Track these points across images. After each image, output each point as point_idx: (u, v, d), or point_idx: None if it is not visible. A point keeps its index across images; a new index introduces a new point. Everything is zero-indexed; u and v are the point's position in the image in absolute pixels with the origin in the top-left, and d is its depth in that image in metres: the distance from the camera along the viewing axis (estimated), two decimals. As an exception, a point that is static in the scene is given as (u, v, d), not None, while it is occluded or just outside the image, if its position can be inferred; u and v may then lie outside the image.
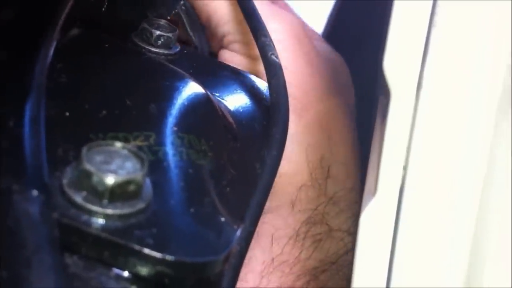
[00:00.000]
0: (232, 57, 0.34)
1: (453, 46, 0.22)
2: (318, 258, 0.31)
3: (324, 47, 0.37)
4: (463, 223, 0.20)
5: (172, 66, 0.29)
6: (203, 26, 0.38)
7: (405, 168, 0.21)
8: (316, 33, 0.40)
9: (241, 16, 0.33)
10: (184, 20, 0.37)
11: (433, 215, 0.20)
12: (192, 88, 0.27)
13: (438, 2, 0.22)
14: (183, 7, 0.37)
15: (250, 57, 0.34)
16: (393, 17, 0.22)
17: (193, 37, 0.38)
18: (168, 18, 0.37)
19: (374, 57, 0.25)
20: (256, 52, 0.33)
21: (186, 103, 0.26)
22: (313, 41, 0.35)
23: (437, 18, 0.22)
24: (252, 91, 0.31)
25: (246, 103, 0.30)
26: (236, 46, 0.34)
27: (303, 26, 0.36)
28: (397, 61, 0.22)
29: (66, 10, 0.27)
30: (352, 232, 0.31)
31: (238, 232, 0.21)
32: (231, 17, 0.34)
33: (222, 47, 0.35)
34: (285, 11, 0.37)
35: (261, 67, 0.32)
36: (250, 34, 0.33)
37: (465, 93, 0.21)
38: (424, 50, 0.22)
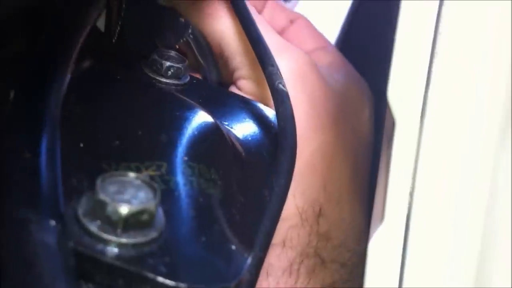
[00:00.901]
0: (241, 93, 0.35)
1: (455, 74, 0.22)
2: (314, 286, 0.31)
3: (337, 77, 0.37)
4: (470, 250, 0.21)
5: (182, 96, 0.30)
6: (212, 53, 0.39)
7: (411, 195, 0.21)
8: (334, 60, 0.39)
9: (252, 49, 0.34)
10: (193, 48, 0.38)
11: (440, 242, 0.21)
12: (201, 118, 0.28)
13: (440, 31, 0.22)
14: (191, 35, 0.38)
15: (259, 94, 0.34)
16: (396, 45, 0.23)
17: (202, 64, 0.39)
18: (177, 46, 0.38)
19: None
20: (266, 90, 0.33)
21: (196, 133, 0.26)
22: (320, 76, 0.35)
23: (439, 47, 0.22)
24: (260, 119, 0.32)
25: (254, 131, 0.31)
26: (245, 83, 0.34)
27: (310, 63, 0.35)
28: (401, 90, 0.22)
29: (79, 43, 0.27)
30: (348, 265, 0.32)
31: (249, 260, 0.22)
32: (241, 50, 0.34)
33: (231, 80, 0.35)
34: (293, 45, 0.36)
35: (269, 98, 0.32)
36: (261, 71, 0.33)
37: (468, 120, 0.22)
38: (427, 79, 0.22)
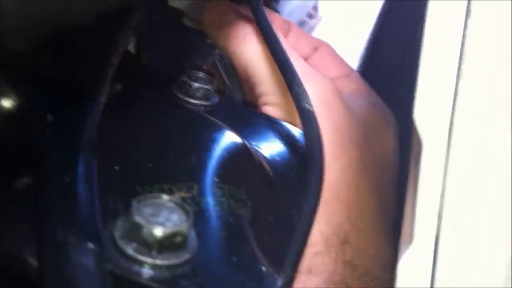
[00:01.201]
0: None
1: (481, 94, 0.22)
2: None
3: (361, 104, 0.37)
4: (500, 272, 0.21)
5: (210, 117, 0.30)
6: (238, 75, 0.40)
7: (440, 216, 0.21)
8: (357, 87, 0.39)
9: (278, 75, 0.34)
10: (220, 69, 0.39)
11: (469, 263, 0.21)
12: (230, 138, 0.28)
13: (465, 50, 0.23)
14: (218, 57, 0.39)
15: (284, 120, 0.34)
16: (422, 66, 0.23)
17: (229, 86, 0.39)
18: (204, 67, 0.39)
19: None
20: (291, 115, 0.33)
21: (225, 154, 0.27)
22: (345, 103, 0.35)
23: (464, 68, 0.23)
24: (287, 139, 0.32)
25: (282, 151, 0.31)
26: (270, 109, 0.35)
27: (334, 90, 0.35)
28: (427, 112, 0.22)
29: (113, 67, 0.28)
30: None
31: (279, 281, 0.22)
32: (267, 75, 0.35)
33: (257, 104, 0.36)
34: (318, 73, 0.36)
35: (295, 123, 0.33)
36: (287, 97, 0.33)
37: (496, 140, 0.22)
38: (453, 99, 0.23)
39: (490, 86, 0.22)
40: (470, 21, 0.22)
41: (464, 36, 0.23)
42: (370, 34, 0.62)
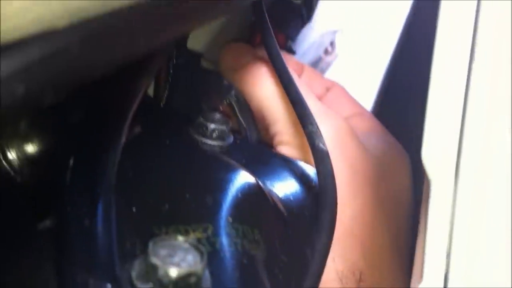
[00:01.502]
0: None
1: (487, 135, 0.23)
2: None
3: (375, 143, 0.37)
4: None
5: (226, 158, 0.31)
6: (253, 115, 0.41)
7: (448, 256, 0.22)
8: (371, 125, 0.40)
9: (293, 116, 0.35)
10: (236, 109, 0.40)
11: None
12: (245, 179, 0.29)
13: (470, 93, 0.23)
14: (234, 97, 0.40)
15: (299, 159, 0.35)
16: (429, 107, 0.24)
17: (243, 125, 0.40)
18: (221, 108, 0.40)
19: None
20: (305, 155, 0.34)
21: (239, 194, 0.28)
22: (359, 142, 0.36)
23: (469, 108, 0.23)
24: (301, 178, 0.33)
25: (295, 190, 0.32)
26: (285, 149, 0.35)
27: (348, 129, 0.36)
28: (435, 151, 0.23)
29: (132, 111, 0.30)
30: None
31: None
32: (282, 115, 0.36)
33: (271, 143, 0.36)
34: (332, 112, 0.37)
35: (309, 162, 0.33)
36: (301, 136, 0.34)
37: (503, 179, 0.23)
38: (459, 139, 0.23)
39: (495, 128, 0.23)
40: (474, 65, 0.23)
41: (468, 79, 0.23)
42: (385, 71, 0.63)
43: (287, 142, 0.36)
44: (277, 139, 0.36)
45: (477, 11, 0.23)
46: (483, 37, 0.23)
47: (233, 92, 0.40)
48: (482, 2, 0.23)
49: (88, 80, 0.17)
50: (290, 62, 0.40)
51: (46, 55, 0.14)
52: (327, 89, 0.41)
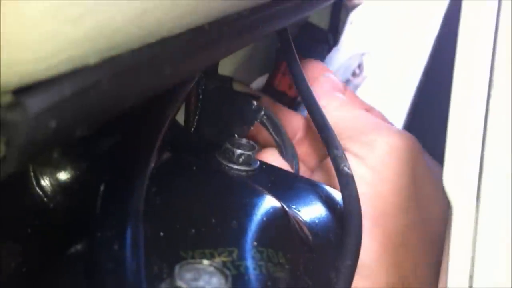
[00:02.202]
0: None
1: (508, 159, 0.23)
2: None
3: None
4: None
5: (251, 183, 0.32)
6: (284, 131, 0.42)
7: (471, 277, 0.22)
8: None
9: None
10: (269, 128, 0.41)
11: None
12: (269, 203, 0.30)
13: (489, 119, 0.24)
14: (264, 116, 0.41)
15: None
16: (449, 133, 0.24)
17: (277, 141, 0.42)
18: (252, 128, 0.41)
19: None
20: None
21: (264, 218, 0.28)
22: (423, 153, 0.37)
23: (489, 136, 0.23)
24: (326, 202, 0.33)
25: (320, 214, 0.32)
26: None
27: (413, 139, 0.38)
28: (456, 177, 0.23)
29: (161, 138, 0.31)
30: None
31: None
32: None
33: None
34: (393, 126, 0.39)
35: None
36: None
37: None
38: (480, 165, 0.24)
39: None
40: (493, 92, 0.23)
41: (488, 104, 0.24)
42: (414, 92, 0.63)
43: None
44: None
45: (495, 35, 0.24)
46: (503, 63, 0.24)
47: (262, 113, 0.41)
48: (500, 25, 0.23)
49: (117, 112, 0.18)
50: (334, 81, 0.42)
51: (77, 92, 0.15)
52: (367, 110, 0.42)
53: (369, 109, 0.43)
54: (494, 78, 0.23)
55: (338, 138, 0.37)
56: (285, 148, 0.42)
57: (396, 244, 0.33)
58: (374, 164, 0.36)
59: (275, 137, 0.42)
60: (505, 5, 0.23)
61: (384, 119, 0.43)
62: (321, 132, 0.37)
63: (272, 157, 0.40)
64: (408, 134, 0.38)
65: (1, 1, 0.12)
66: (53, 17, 0.13)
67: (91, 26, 0.14)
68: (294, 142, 0.43)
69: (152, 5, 0.16)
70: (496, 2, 0.23)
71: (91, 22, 0.14)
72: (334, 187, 0.35)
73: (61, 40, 0.14)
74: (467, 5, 0.23)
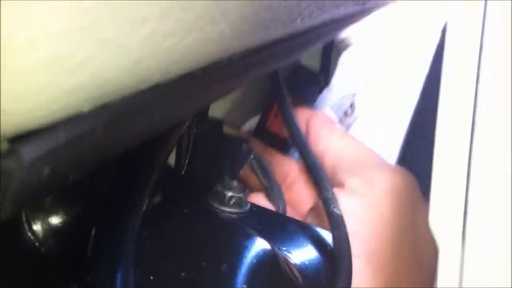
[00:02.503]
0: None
1: (493, 199, 0.24)
2: None
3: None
4: None
5: (242, 225, 0.32)
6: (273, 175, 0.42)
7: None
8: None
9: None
10: (257, 171, 0.42)
11: None
12: (259, 246, 0.30)
13: (472, 164, 0.24)
14: (253, 161, 0.42)
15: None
16: (434, 175, 0.25)
17: (265, 185, 0.42)
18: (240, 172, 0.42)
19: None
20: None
21: (254, 261, 0.28)
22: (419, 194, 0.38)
23: (472, 179, 0.24)
24: (316, 243, 0.33)
25: (311, 256, 0.32)
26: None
27: (413, 180, 0.38)
28: (441, 218, 0.24)
29: (152, 182, 0.31)
30: None
31: None
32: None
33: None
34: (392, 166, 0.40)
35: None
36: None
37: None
38: (464, 205, 0.24)
39: (499, 192, 0.24)
40: (475, 141, 0.24)
41: (471, 143, 0.24)
42: (406, 132, 0.64)
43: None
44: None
45: (478, 67, 0.24)
46: (485, 104, 0.24)
47: (252, 156, 0.42)
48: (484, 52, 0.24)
49: (110, 158, 0.19)
50: (330, 116, 0.43)
51: (71, 139, 0.16)
52: None
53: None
54: (477, 124, 0.24)
55: (340, 170, 0.38)
56: (272, 191, 0.42)
57: (388, 284, 0.33)
58: (372, 202, 0.36)
59: (263, 180, 0.42)
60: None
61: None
62: (312, 173, 0.38)
63: (258, 200, 0.41)
64: (409, 174, 0.38)
65: (1, 54, 0.12)
66: (48, 69, 0.14)
67: (85, 76, 0.15)
68: (284, 185, 0.44)
69: (145, 55, 0.17)
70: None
71: (85, 73, 0.15)
72: (326, 229, 0.35)
73: (56, 90, 0.14)
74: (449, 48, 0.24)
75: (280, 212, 0.40)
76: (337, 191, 0.38)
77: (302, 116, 0.45)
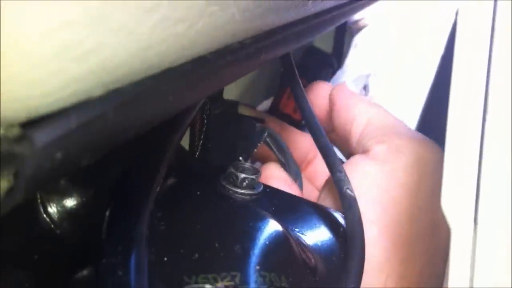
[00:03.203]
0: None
1: (507, 180, 0.24)
2: None
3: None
4: None
5: (254, 206, 0.32)
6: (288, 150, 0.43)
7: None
8: None
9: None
10: (273, 148, 0.42)
11: None
12: (272, 227, 0.30)
13: (484, 146, 0.24)
14: (267, 138, 0.42)
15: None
16: (446, 158, 0.24)
17: (281, 160, 0.42)
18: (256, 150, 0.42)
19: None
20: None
21: (267, 242, 0.29)
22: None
23: (485, 162, 0.24)
24: (329, 225, 0.34)
25: (324, 237, 0.33)
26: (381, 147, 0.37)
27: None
28: (454, 200, 0.24)
29: (166, 164, 0.31)
30: None
31: None
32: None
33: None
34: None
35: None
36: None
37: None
38: (477, 187, 0.24)
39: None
40: (488, 115, 0.24)
41: (483, 126, 0.24)
42: (420, 113, 0.63)
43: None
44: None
45: (489, 60, 0.24)
46: (498, 83, 0.24)
47: (266, 134, 0.42)
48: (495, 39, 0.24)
49: (122, 142, 0.19)
50: (349, 88, 0.43)
51: (83, 124, 0.16)
52: None
53: None
54: (489, 103, 0.24)
55: (367, 136, 0.38)
56: (289, 166, 0.42)
57: (402, 256, 0.32)
58: (396, 170, 0.35)
59: (279, 155, 0.42)
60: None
61: None
62: (324, 155, 0.38)
63: (276, 170, 0.40)
64: (437, 147, 0.36)
65: (12, 43, 0.12)
66: (61, 56, 0.14)
67: (95, 63, 0.15)
68: (305, 162, 0.44)
69: (155, 41, 0.17)
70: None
71: (95, 59, 0.15)
72: (339, 210, 0.35)
73: (66, 77, 0.15)
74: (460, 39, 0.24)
75: (297, 185, 0.40)
76: (361, 157, 0.38)
77: (322, 90, 0.45)
